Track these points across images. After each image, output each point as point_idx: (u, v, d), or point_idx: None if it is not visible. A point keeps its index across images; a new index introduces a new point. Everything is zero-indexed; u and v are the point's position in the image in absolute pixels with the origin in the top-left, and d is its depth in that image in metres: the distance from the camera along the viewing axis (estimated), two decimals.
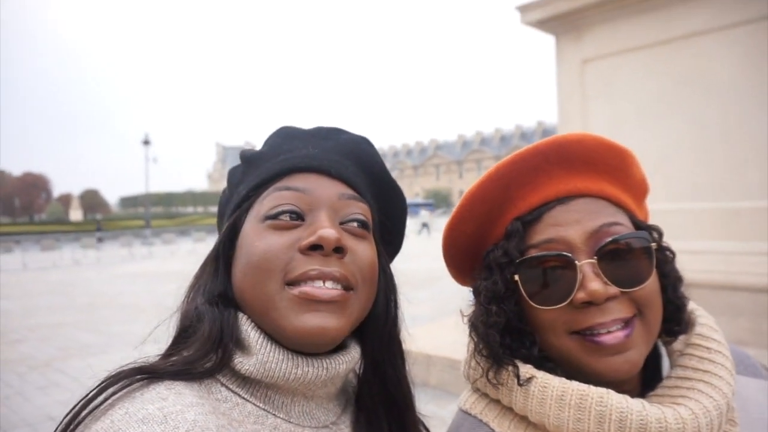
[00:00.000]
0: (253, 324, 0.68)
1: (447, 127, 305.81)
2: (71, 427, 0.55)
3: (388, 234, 0.85)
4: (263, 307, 0.66)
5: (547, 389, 0.68)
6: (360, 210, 0.73)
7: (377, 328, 0.76)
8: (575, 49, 5.67)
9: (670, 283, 0.75)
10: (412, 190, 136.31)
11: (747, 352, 0.84)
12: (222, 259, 0.73)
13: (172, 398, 0.57)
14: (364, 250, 0.71)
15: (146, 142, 52.32)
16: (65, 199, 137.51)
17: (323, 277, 0.66)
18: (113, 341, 8.51)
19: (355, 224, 0.72)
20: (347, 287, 0.68)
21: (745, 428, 0.70)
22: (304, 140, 0.77)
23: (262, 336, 0.67)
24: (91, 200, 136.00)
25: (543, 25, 5.80)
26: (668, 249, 0.77)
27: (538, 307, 0.71)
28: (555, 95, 5.79)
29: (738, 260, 4.59)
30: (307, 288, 0.65)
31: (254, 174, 0.75)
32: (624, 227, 0.71)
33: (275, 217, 0.69)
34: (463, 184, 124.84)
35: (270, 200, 0.71)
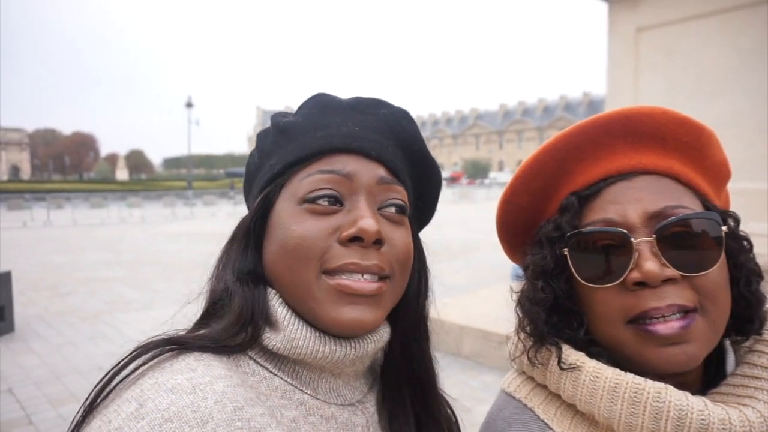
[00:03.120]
0: (281, 300, 0.67)
1: (488, 97, 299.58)
2: (102, 395, 0.55)
3: (420, 210, 0.82)
4: (300, 293, 0.66)
5: (599, 379, 0.63)
6: (398, 194, 0.71)
7: (409, 310, 0.76)
8: (630, 17, 5.39)
9: (743, 275, 0.68)
10: (450, 159, 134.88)
11: None
12: (253, 235, 0.71)
13: (201, 369, 0.57)
14: (401, 238, 0.70)
15: (189, 105, 53.36)
16: (112, 159, 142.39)
17: (361, 270, 0.65)
18: (156, 297, 8.86)
19: (393, 209, 0.70)
20: (383, 277, 0.67)
21: None
22: (343, 115, 0.73)
23: (290, 313, 0.66)
24: (136, 160, 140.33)
25: None
26: (745, 238, 0.70)
27: (588, 285, 0.66)
28: (604, 65, 5.55)
29: None
30: (344, 280, 0.64)
31: (289, 147, 0.72)
32: (691, 210, 0.65)
33: (314, 201, 0.67)
34: (503, 155, 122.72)
35: (309, 183, 0.68)
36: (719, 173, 0.72)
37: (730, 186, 0.79)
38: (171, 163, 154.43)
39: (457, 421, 0.84)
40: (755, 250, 0.70)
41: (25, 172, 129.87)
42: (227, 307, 0.67)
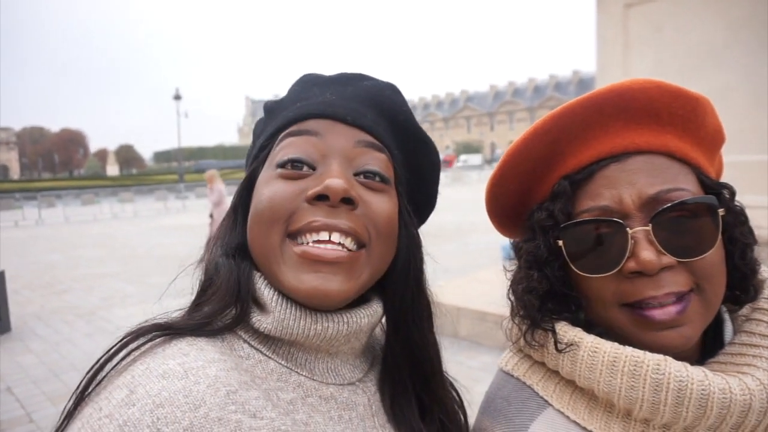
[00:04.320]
0: (266, 282, 0.66)
1: (479, 78, 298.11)
2: (93, 382, 0.55)
3: (417, 190, 0.79)
4: (266, 259, 0.64)
5: (597, 354, 0.63)
6: (377, 160, 0.69)
7: (398, 288, 0.72)
8: None
9: (738, 248, 0.67)
10: (442, 142, 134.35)
11: None
12: (240, 210, 0.71)
13: (194, 354, 0.56)
14: (379, 203, 0.67)
15: (177, 97, 52.80)
16: (102, 155, 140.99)
17: (327, 228, 0.62)
18: (151, 291, 8.84)
19: (372, 176, 0.67)
20: (359, 243, 0.64)
21: None
22: (323, 87, 0.73)
23: (276, 293, 0.64)
24: (126, 155, 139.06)
25: None
26: (741, 212, 0.68)
27: (583, 274, 0.65)
28: (593, 43, 5.52)
29: None
30: (309, 248, 0.62)
31: (272, 123, 0.73)
32: (687, 192, 0.63)
33: (284, 165, 0.66)
34: (494, 137, 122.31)
35: (282, 147, 0.68)
36: (714, 141, 0.70)
37: (724, 159, 0.78)
38: (161, 156, 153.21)
39: (461, 402, 0.84)
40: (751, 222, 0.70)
41: (15, 172, 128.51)
42: (216, 283, 0.66)
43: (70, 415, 0.54)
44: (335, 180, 0.62)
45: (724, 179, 0.72)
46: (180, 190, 35.72)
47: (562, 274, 0.69)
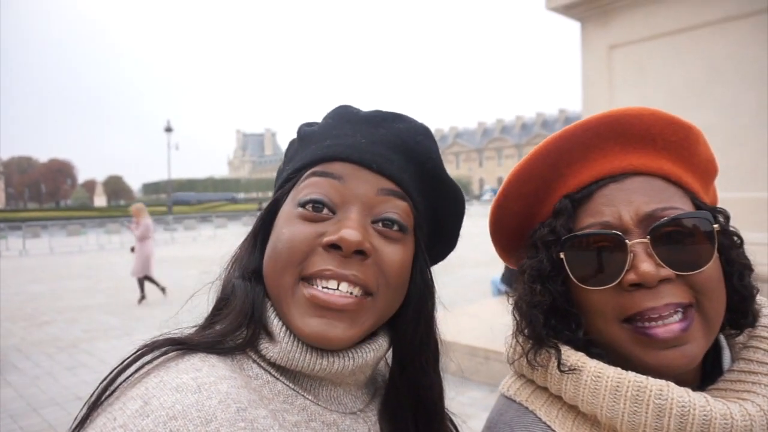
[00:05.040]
0: (276, 313, 0.67)
1: (467, 115, 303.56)
2: (107, 393, 0.55)
3: (438, 236, 0.80)
4: (278, 296, 0.66)
5: (600, 379, 0.63)
6: (398, 209, 0.69)
7: (408, 330, 0.74)
8: (602, 35, 5.54)
9: (736, 270, 0.69)
10: None
11: None
12: (260, 235, 0.73)
13: (206, 370, 0.58)
14: (392, 253, 0.68)
15: (168, 129, 53.17)
16: (90, 185, 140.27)
17: (337, 278, 0.64)
18: (136, 325, 8.68)
19: (390, 224, 0.68)
20: (366, 292, 0.66)
21: None
22: (356, 126, 0.73)
23: (284, 326, 0.66)
24: (115, 186, 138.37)
25: (569, 10, 5.66)
26: (735, 234, 0.71)
27: (585, 287, 0.67)
28: (579, 83, 5.67)
29: (765, 251, 4.47)
30: (317, 292, 0.63)
31: (302, 154, 0.74)
32: (681, 210, 0.66)
33: (304, 205, 0.67)
34: (483, 173, 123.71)
35: (306, 186, 0.69)
36: (707, 170, 0.73)
37: None
38: (150, 188, 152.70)
39: None
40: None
41: (0, 202, 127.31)
42: (232, 304, 0.68)
43: (81, 424, 0.54)
44: (350, 232, 0.63)
45: (737, 230, 0.73)
46: (168, 222, 35.52)
47: (564, 289, 0.70)
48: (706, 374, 0.70)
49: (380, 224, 0.68)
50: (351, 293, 0.65)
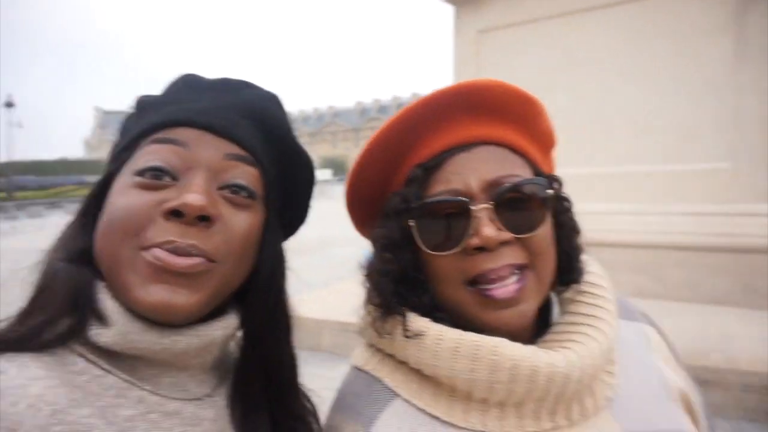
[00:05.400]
0: (110, 293, 0.61)
1: (345, 94, 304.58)
2: None
3: (290, 205, 0.78)
4: (115, 271, 0.60)
5: (442, 341, 0.67)
6: (247, 175, 0.66)
7: (258, 302, 0.70)
8: (473, 19, 5.80)
9: (565, 232, 0.75)
10: None
11: (625, 297, 0.88)
12: (91, 214, 0.66)
13: (14, 371, 0.53)
14: (240, 221, 0.65)
15: (9, 105, 46.99)
16: None
17: (177, 252, 0.59)
18: None
19: (238, 190, 0.65)
20: (210, 259, 0.62)
21: (621, 366, 0.74)
22: (200, 92, 0.70)
23: (120, 305, 0.60)
24: None
25: None
26: (566, 199, 0.77)
27: (432, 253, 0.69)
28: (452, 63, 5.90)
29: (607, 220, 5.05)
30: (161, 252, 0.58)
31: (139, 124, 0.68)
32: (522, 178, 0.70)
33: (143, 173, 0.62)
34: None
35: (144, 154, 0.64)
36: (546, 141, 0.79)
37: (556, 171, 0.86)
38: None
39: (316, 413, 0.82)
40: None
41: None
42: (50, 290, 0.61)
43: None
44: (194, 195, 0.59)
45: (568, 196, 0.80)
46: (8, 209, 31.40)
47: (413, 257, 0.72)
48: (538, 329, 0.75)
49: (227, 190, 0.65)
50: (194, 258, 0.60)
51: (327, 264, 10.98)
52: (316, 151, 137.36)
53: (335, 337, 5.40)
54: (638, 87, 5.07)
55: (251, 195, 0.66)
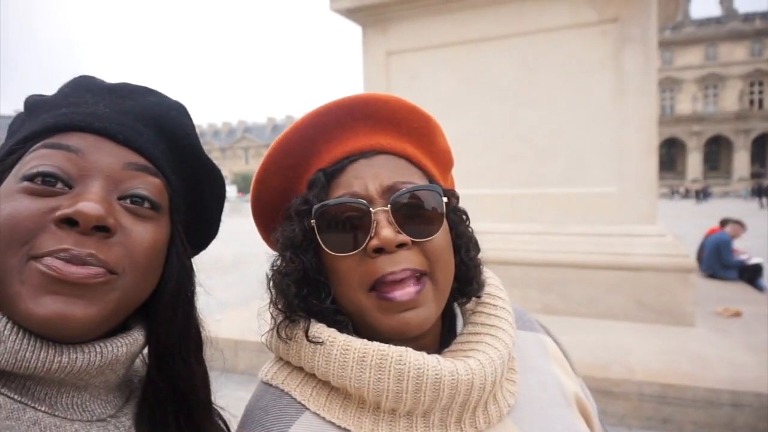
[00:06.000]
0: None
1: (256, 109, 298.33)
2: None
3: (197, 220, 0.75)
4: (2, 284, 0.55)
5: (348, 352, 0.67)
6: (149, 185, 0.63)
7: (165, 318, 0.67)
8: (381, 41, 5.96)
9: (463, 243, 0.78)
10: None
11: (523, 309, 0.93)
12: None
13: None
14: (142, 232, 0.61)
15: None
16: None
17: (73, 261, 0.55)
18: None
19: (140, 201, 0.62)
20: (110, 272, 0.58)
21: (522, 374, 0.79)
22: (98, 95, 0.65)
23: (8, 321, 0.54)
24: None
25: (351, 14, 5.96)
26: (464, 213, 0.81)
27: (333, 254, 0.71)
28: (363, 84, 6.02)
29: (513, 239, 5.35)
30: (54, 261, 0.54)
31: (29, 125, 0.64)
32: (419, 184, 0.73)
33: (31, 178, 0.57)
34: None
35: (33, 158, 0.59)
36: (444, 159, 0.83)
37: (464, 192, 0.92)
38: None
39: (228, 429, 0.80)
40: (484, 245, 0.83)
41: None
42: None
43: None
44: (90, 204, 0.55)
45: (465, 209, 0.84)
46: None
47: (315, 259, 0.73)
48: (444, 340, 0.79)
49: (128, 201, 0.61)
50: (91, 267, 0.56)
51: (244, 282, 10.59)
52: (228, 166, 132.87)
53: (252, 358, 5.22)
54: (538, 114, 5.36)
55: (154, 206, 0.63)
